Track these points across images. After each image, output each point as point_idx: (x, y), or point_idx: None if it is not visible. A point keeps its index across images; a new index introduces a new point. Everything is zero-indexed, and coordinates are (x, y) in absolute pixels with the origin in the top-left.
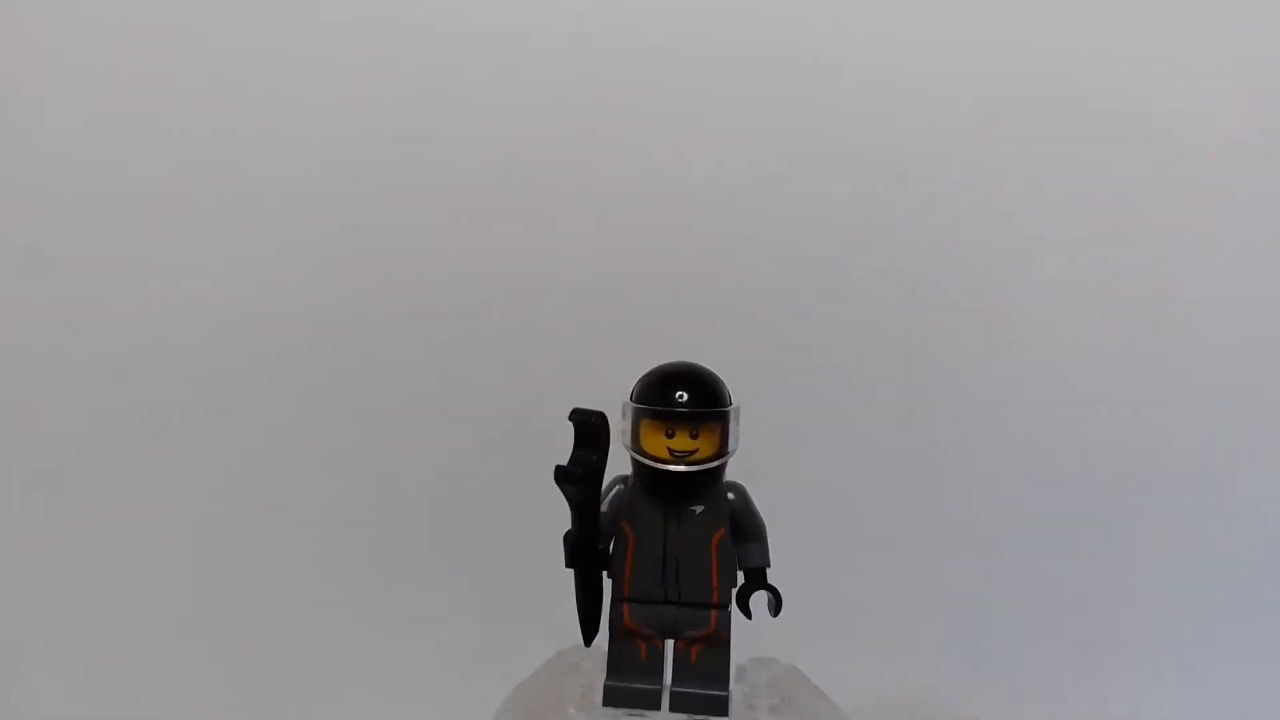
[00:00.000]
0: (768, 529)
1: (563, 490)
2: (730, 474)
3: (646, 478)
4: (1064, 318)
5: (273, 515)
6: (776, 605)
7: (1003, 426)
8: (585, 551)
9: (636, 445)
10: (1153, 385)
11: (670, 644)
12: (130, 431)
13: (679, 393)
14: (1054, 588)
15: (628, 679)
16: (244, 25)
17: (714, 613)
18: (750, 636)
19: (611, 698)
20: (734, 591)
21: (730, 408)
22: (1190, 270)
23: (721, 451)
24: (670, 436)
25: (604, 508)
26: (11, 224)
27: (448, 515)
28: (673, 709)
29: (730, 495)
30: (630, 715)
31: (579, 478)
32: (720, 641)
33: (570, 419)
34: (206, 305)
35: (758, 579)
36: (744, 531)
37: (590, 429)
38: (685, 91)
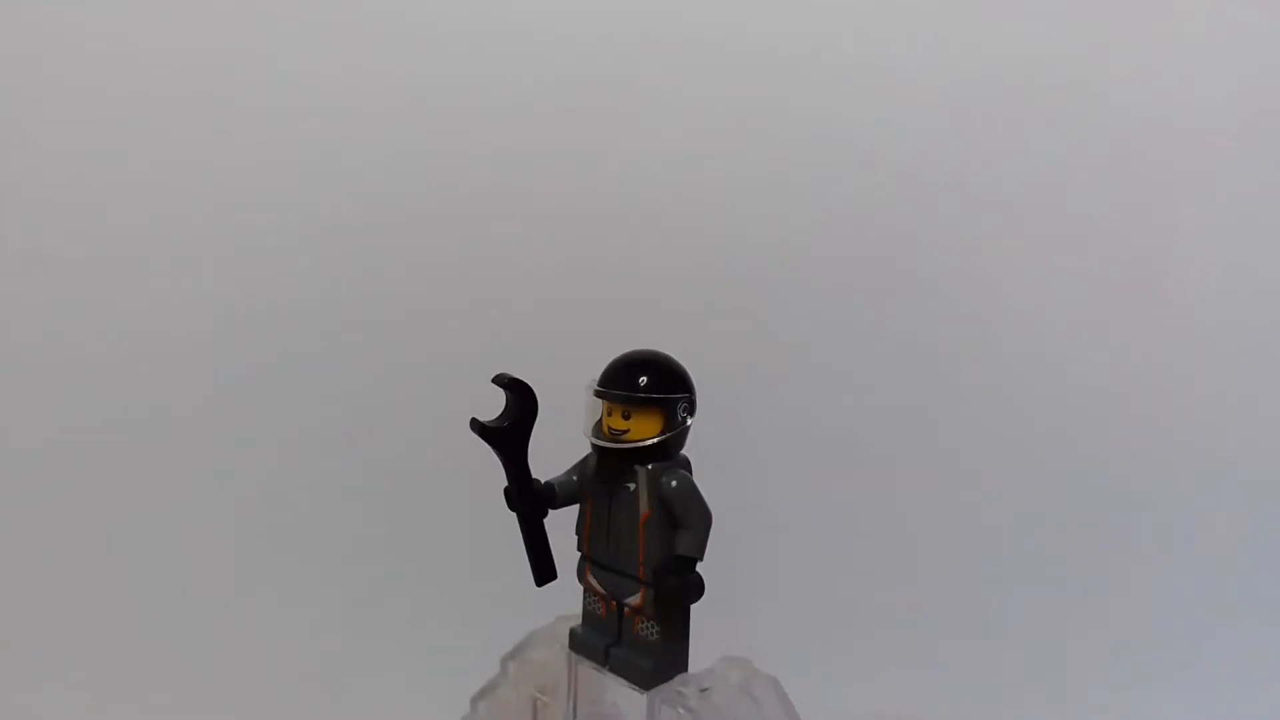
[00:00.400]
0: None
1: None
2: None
3: (595, 452)
4: (1059, 318)
5: (265, 513)
6: (680, 594)
7: (999, 430)
8: (517, 501)
9: (595, 421)
10: (1152, 387)
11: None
12: (122, 432)
13: (618, 376)
14: (1053, 589)
15: (590, 630)
16: (240, 25)
17: (642, 588)
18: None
19: (573, 642)
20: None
21: (672, 396)
22: (1191, 271)
23: (656, 435)
24: (609, 416)
25: (574, 476)
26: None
27: (439, 513)
28: (610, 668)
29: (672, 483)
30: (594, 666)
31: (484, 429)
32: (651, 616)
33: (493, 380)
34: (200, 304)
35: (681, 565)
36: (677, 519)
37: (507, 390)
38: (674, 86)
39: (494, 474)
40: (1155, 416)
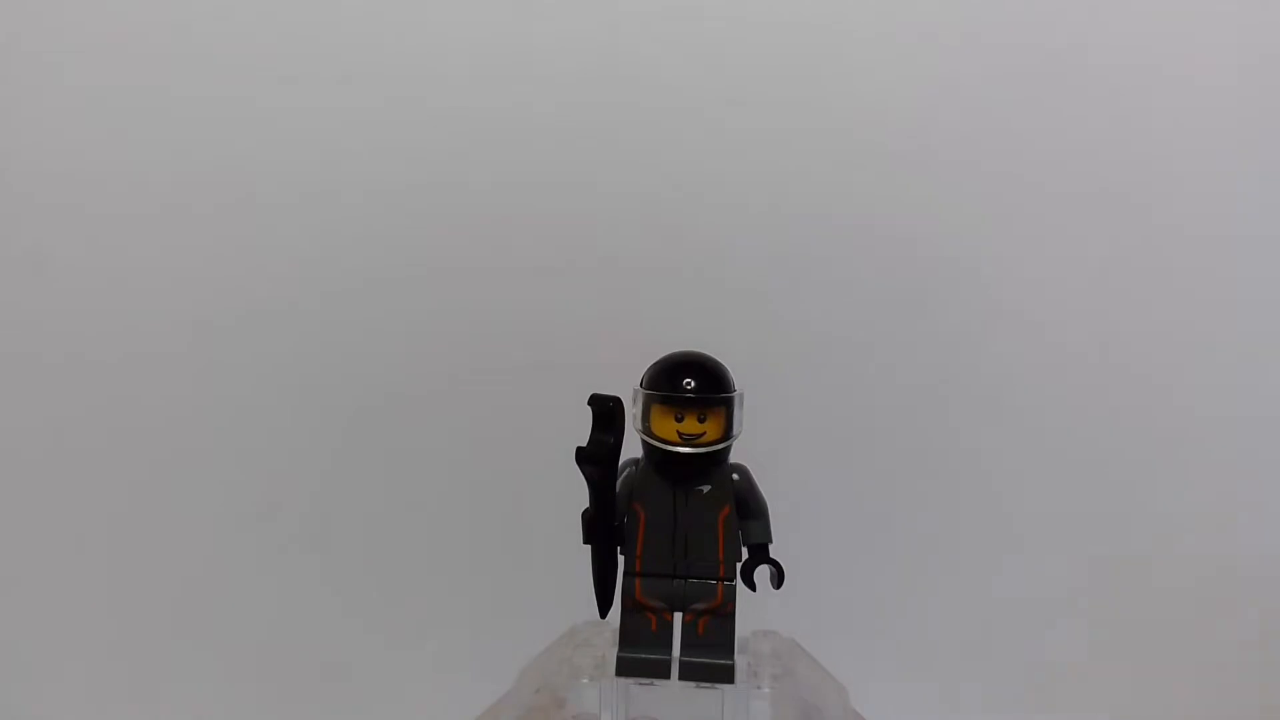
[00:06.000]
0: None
1: (582, 470)
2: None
3: (656, 459)
4: (1071, 313)
5: (271, 514)
6: (779, 578)
7: (1006, 428)
8: (602, 529)
9: (647, 429)
10: (1155, 390)
11: (679, 616)
12: (128, 435)
13: (686, 379)
14: (1058, 587)
15: (639, 650)
16: (237, 24)
17: (720, 586)
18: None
19: (624, 668)
20: (739, 566)
21: (735, 394)
22: (1201, 267)
23: (726, 435)
24: (679, 421)
25: (618, 489)
26: None
27: (448, 511)
28: (682, 677)
29: (735, 476)
30: (641, 684)
31: (597, 458)
32: (726, 614)
33: (589, 404)
34: (205, 305)
35: (761, 554)
36: (748, 510)
37: (608, 412)
38: (673, 83)
39: (494, 475)
40: (1160, 422)
